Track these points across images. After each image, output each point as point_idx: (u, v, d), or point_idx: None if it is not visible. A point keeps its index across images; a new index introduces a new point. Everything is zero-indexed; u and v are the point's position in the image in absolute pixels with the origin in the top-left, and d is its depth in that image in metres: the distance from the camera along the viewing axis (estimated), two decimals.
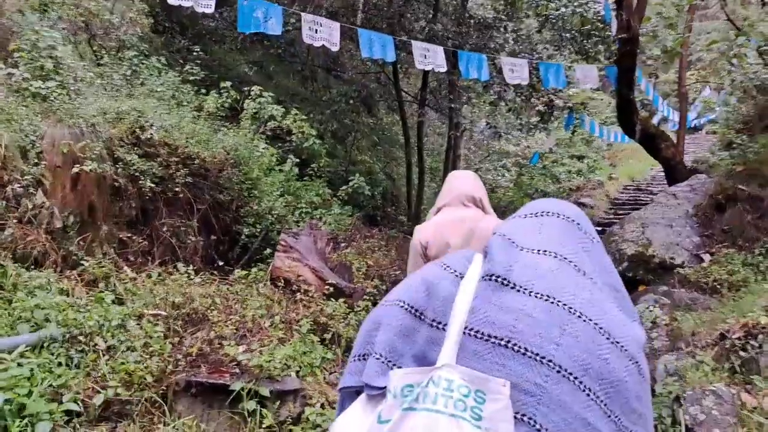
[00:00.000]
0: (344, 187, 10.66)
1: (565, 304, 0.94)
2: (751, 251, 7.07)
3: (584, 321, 0.93)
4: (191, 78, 10.49)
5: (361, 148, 16.30)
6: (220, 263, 6.60)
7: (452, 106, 12.10)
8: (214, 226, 7.44)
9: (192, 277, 5.72)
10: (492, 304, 0.94)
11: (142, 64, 9.78)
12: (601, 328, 0.93)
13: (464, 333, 0.93)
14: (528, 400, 0.87)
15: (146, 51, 10.48)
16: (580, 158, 14.95)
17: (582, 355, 0.90)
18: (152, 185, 6.50)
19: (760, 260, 6.84)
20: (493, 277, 0.98)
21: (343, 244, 8.77)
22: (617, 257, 7.72)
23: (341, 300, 5.70)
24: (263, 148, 9.10)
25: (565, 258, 1.02)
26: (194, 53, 12.21)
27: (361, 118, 14.32)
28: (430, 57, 7.78)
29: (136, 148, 6.69)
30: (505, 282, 0.97)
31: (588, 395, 0.89)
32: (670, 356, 4.80)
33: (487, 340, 0.91)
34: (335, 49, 7.67)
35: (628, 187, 17.67)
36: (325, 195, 10.50)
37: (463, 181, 2.91)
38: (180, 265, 6.05)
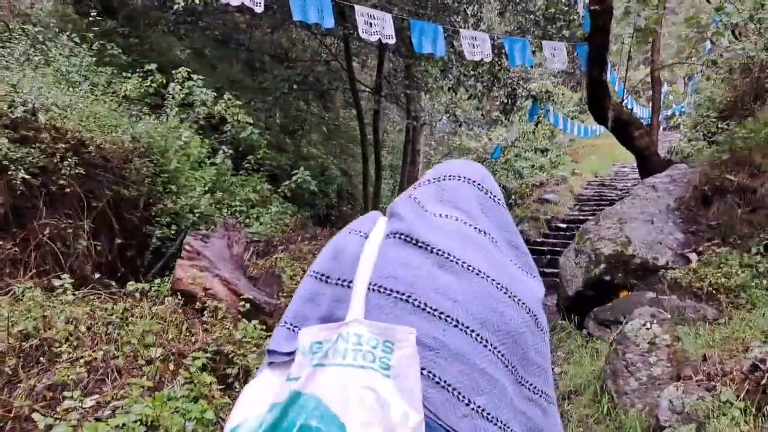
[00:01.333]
0: (287, 183, 9.29)
1: (464, 263, 0.96)
2: (746, 250, 5.99)
3: (482, 277, 0.95)
4: (117, 61, 9.07)
5: (313, 142, 14.95)
6: (97, 275, 5.16)
7: (408, 92, 10.86)
8: (115, 227, 6.02)
9: (67, 292, 4.33)
10: (394, 260, 0.96)
11: (50, 42, 8.28)
12: (498, 283, 0.95)
13: (369, 289, 0.94)
14: (426, 354, 0.88)
15: (57, 28, 8.96)
16: (544, 152, 13.87)
17: (479, 309, 0.92)
18: (28, 177, 5.08)
19: (758, 260, 5.76)
20: (398, 235, 1.00)
21: (281, 248, 7.43)
22: (592, 258, 6.57)
23: (257, 321, 4.38)
24: (186, 137, 7.70)
25: (465, 221, 1.05)
26: (123, 36, 10.79)
27: (311, 108, 12.95)
28: (376, 25, 6.53)
29: (9, 132, 5.26)
30: (409, 239, 0.98)
31: (485, 347, 0.91)
32: (676, 389, 3.62)
33: (389, 295, 0.92)
34: (259, 10, 6.33)
35: (592, 183, 16.72)
36: (263, 191, 9.14)
37: None
38: (65, 276, 4.64)
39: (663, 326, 3.95)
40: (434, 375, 0.87)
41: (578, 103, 20.00)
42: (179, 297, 4.64)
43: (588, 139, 22.08)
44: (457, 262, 0.96)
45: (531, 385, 0.98)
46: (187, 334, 4.13)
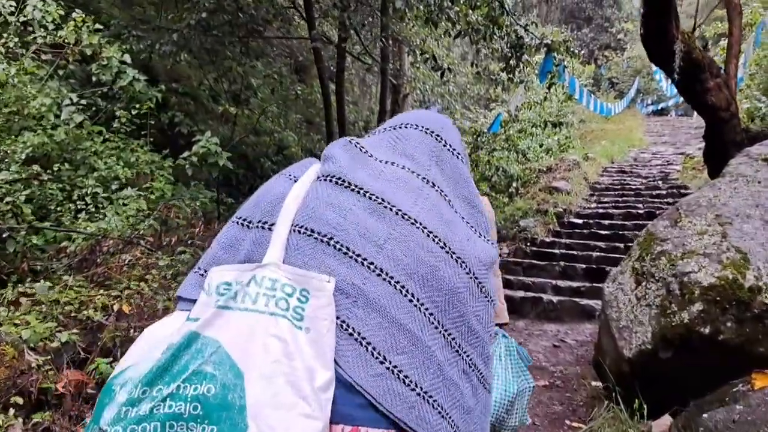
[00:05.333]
0: (186, 154, 6.03)
1: (399, 210, 0.86)
2: None
3: (417, 228, 0.85)
4: None
5: (270, 114, 11.67)
6: None
7: (381, 34, 7.55)
8: None
9: None
10: (321, 201, 0.86)
11: None
12: (436, 236, 0.85)
13: (291, 230, 0.83)
14: (343, 302, 0.79)
15: None
16: (556, 126, 10.57)
17: (407, 260, 0.82)
18: None
19: None
20: (329, 177, 0.89)
21: (128, 257, 4.20)
22: (674, 290, 3.36)
23: None
24: None
25: (413, 171, 0.94)
26: None
27: (255, 66, 9.61)
28: None
29: None
30: (340, 181, 0.88)
31: (410, 301, 0.80)
32: None
33: (310, 235, 0.82)
34: None
35: (609, 170, 13.49)
36: (141, 166, 5.88)
37: None
38: None
39: None
40: (349, 326, 0.77)
41: (590, 77, 16.71)
42: None
43: (598, 122, 18.84)
44: (391, 209, 0.85)
45: (468, 356, 0.84)
46: None
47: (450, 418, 0.79)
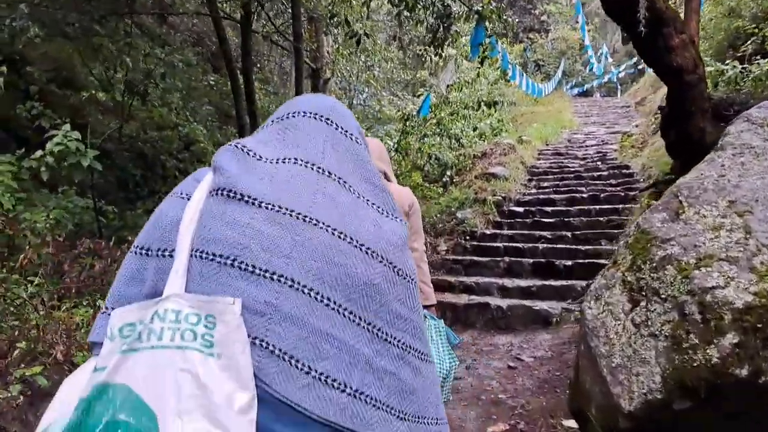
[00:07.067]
0: (38, 154, 4.58)
1: (299, 214, 0.81)
2: None
3: (321, 228, 0.81)
4: None
5: (175, 107, 10.12)
6: None
7: (294, 10, 6.25)
8: None
9: None
10: (218, 220, 0.80)
11: None
12: (341, 233, 0.81)
13: (192, 256, 0.77)
14: (258, 322, 0.73)
15: None
16: (491, 107, 9.57)
17: (316, 264, 0.78)
18: None
19: None
20: (220, 191, 0.82)
21: None
22: (692, 312, 2.31)
23: None
24: None
25: (307, 162, 0.88)
26: None
27: (128, 40, 8.01)
28: None
29: None
30: (232, 194, 0.81)
31: (327, 305, 0.77)
32: None
33: (212, 260, 0.76)
34: None
35: (545, 153, 12.71)
36: None
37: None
38: None
39: None
40: (268, 344, 0.73)
41: (519, 57, 15.92)
42: None
43: (527, 105, 18.21)
44: (291, 214, 0.80)
45: (398, 341, 0.81)
46: None
47: (388, 406, 0.78)
